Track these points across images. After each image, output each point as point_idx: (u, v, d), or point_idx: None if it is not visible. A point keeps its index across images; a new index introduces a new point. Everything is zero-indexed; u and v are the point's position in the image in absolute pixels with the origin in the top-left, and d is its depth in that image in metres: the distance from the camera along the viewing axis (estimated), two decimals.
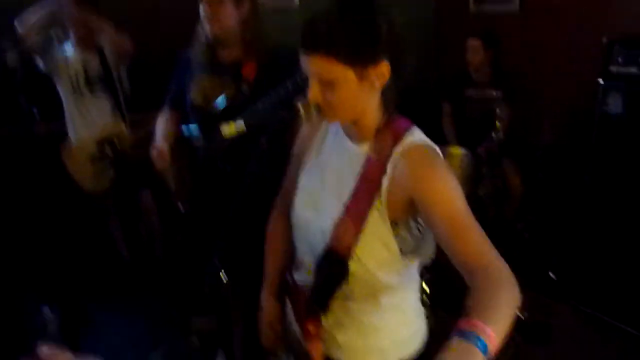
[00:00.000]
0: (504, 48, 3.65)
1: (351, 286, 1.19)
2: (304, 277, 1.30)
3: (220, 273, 1.25)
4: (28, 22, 2.77)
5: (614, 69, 2.64)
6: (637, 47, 2.55)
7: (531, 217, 3.34)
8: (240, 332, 2.53)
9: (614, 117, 2.65)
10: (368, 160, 1.14)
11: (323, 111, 1.11)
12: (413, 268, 1.25)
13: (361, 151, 1.17)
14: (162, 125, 2.28)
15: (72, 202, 3.17)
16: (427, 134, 1.17)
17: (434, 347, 1.26)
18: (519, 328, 0.91)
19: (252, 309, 1.50)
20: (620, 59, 2.60)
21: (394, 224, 1.14)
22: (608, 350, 2.68)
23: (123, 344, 2.75)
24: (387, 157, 1.11)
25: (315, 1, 1.09)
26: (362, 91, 1.09)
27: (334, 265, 1.16)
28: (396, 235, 1.15)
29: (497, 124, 2.90)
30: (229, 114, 1.97)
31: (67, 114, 3.12)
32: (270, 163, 1.22)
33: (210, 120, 2.04)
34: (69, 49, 3.07)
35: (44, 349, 0.52)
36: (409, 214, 1.15)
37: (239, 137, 1.10)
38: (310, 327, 1.23)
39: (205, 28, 2.00)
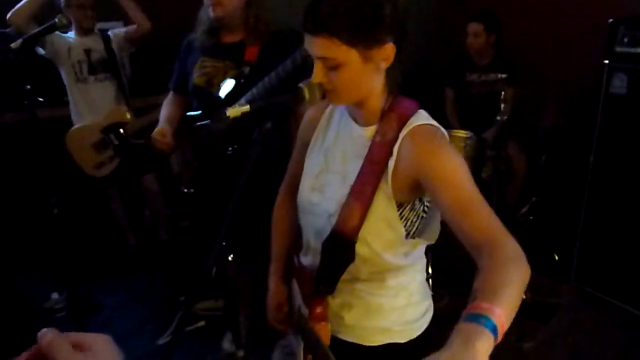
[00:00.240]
0: (508, 30, 3.62)
1: (357, 267, 1.20)
2: (310, 259, 1.31)
3: (227, 256, 1.25)
4: (20, 13, 2.76)
5: (619, 49, 2.61)
6: None
7: (535, 198, 3.34)
8: (246, 314, 2.56)
9: (619, 97, 2.64)
10: (374, 143, 1.14)
11: (327, 93, 1.11)
12: (419, 249, 1.26)
13: (366, 134, 1.17)
14: (165, 109, 2.30)
15: (77, 186, 3.18)
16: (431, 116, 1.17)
17: (440, 327, 1.28)
18: (522, 308, 0.89)
19: (259, 291, 1.51)
20: (625, 39, 2.58)
21: (400, 205, 1.15)
22: (611, 330, 2.70)
23: (130, 328, 2.78)
24: (393, 139, 1.11)
25: None
26: (366, 73, 1.09)
27: (340, 247, 1.17)
28: (402, 216, 1.16)
29: (502, 106, 2.88)
30: (231, 96, 1.99)
31: (70, 100, 3.12)
32: (273, 145, 1.22)
33: (213, 102, 2.05)
34: (71, 36, 3.06)
35: (46, 336, 0.52)
36: (415, 195, 1.15)
37: (242, 119, 1.10)
38: (318, 309, 1.24)
39: (209, 12, 2.00)
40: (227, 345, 2.53)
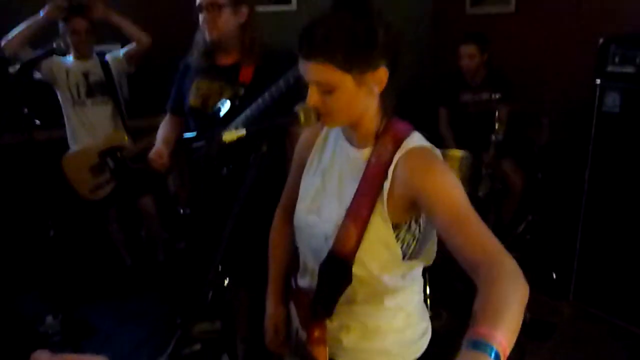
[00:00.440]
0: (502, 49, 3.66)
1: (355, 289, 1.19)
2: (308, 281, 1.31)
3: (224, 280, 1.25)
4: (13, 42, 2.79)
5: (610, 68, 2.65)
6: (633, 46, 2.56)
7: (532, 217, 3.34)
8: (243, 337, 2.54)
9: (612, 115, 2.66)
10: (369, 165, 1.15)
11: (322, 116, 1.12)
12: (416, 270, 1.26)
13: (362, 156, 1.18)
14: (162, 130, 2.31)
15: (73, 209, 3.17)
16: (425, 137, 1.18)
17: (439, 346, 1.28)
18: (521, 327, 0.88)
19: (256, 313, 1.51)
20: (616, 59, 2.61)
21: (396, 226, 1.15)
22: (611, 347, 2.68)
23: (126, 350, 2.75)
24: (388, 161, 1.12)
25: (313, 4, 1.10)
26: (360, 96, 1.10)
27: (338, 269, 1.17)
28: (398, 237, 1.16)
29: (497, 125, 2.91)
30: (227, 117, 2.01)
31: (67, 123, 3.13)
32: (269, 168, 1.23)
33: (209, 123, 2.07)
34: (69, 59, 3.08)
35: (40, 357, 0.52)
36: (411, 215, 1.16)
37: (237, 142, 1.11)
38: (316, 332, 1.24)
39: (204, 34, 2.03)
40: None
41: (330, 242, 1.17)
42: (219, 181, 2.05)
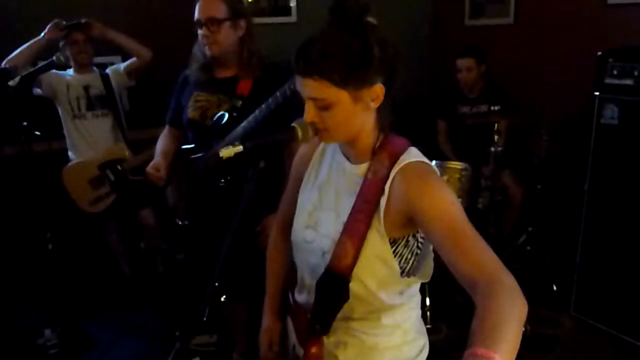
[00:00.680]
0: (501, 60, 3.67)
1: (352, 306, 1.19)
2: (305, 296, 1.30)
3: (221, 296, 1.25)
4: (15, 60, 2.82)
5: (608, 81, 2.66)
6: (631, 59, 2.57)
7: (532, 229, 3.34)
8: (241, 352, 2.53)
9: (611, 127, 2.67)
10: (366, 180, 1.15)
11: (319, 132, 1.12)
12: (413, 287, 1.25)
13: (359, 171, 1.18)
14: (161, 142, 2.32)
15: (73, 221, 3.17)
16: (423, 150, 1.19)
17: None
18: (521, 341, 0.87)
19: (255, 328, 1.50)
20: (615, 71, 2.62)
21: (393, 241, 1.15)
22: None
23: None
24: (385, 177, 1.12)
25: (314, 15, 1.11)
26: (357, 112, 1.10)
27: (335, 286, 1.16)
28: (396, 253, 1.16)
29: (496, 138, 2.91)
30: (224, 129, 2.02)
31: (67, 136, 3.14)
32: (267, 183, 1.23)
33: (207, 135, 2.07)
34: (70, 73, 3.10)
35: None
36: (408, 231, 1.16)
37: (235, 156, 1.11)
38: (313, 349, 1.23)
39: (203, 49, 2.04)
40: None
41: (328, 258, 1.17)
42: (217, 193, 2.05)
